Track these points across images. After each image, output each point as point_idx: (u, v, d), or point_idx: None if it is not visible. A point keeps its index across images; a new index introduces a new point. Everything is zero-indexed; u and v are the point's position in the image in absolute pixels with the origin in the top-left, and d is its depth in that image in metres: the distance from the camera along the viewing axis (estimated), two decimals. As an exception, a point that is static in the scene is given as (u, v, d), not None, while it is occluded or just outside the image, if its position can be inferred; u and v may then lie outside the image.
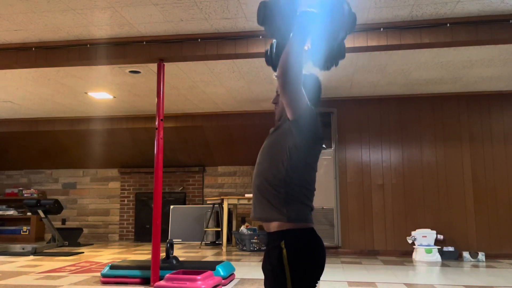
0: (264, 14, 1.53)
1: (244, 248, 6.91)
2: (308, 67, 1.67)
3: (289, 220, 1.49)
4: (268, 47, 1.77)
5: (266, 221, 1.55)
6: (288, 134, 1.52)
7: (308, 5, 1.52)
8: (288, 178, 1.50)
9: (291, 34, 1.48)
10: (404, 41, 3.99)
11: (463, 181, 6.28)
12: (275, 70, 1.63)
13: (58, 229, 7.68)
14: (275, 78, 1.52)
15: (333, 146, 6.56)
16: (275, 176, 1.51)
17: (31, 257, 6.24)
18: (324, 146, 6.40)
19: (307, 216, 1.53)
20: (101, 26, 4.05)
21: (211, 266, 4.16)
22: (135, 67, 5.16)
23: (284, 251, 1.45)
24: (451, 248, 6.04)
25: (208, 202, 7.97)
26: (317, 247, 1.51)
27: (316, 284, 1.50)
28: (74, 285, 4.08)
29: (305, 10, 1.49)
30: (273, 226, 1.52)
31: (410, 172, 6.42)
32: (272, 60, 1.71)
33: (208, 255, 6.31)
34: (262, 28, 4.42)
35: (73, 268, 5.16)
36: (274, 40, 1.75)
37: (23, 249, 6.80)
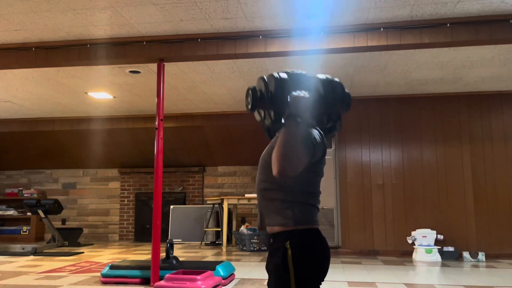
0: (253, 100, 1.47)
1: (244, 248, 6.91)
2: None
3: (294, 221, 1.49)
4: (249, 91, 1.59)
5: (271, 226, 1.54)
6: None
7: (299, 89, 1.48)
8: (292, 184, 1.49)
9: (284, 122, 1.42)
10: (404, 41, 3.99)
11: (463, 181, 6.28)
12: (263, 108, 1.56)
13: (58, 229, 7.68)
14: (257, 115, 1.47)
15: (333, 146, 6.56)
16: (279, 182, 1.51)
17: (31, 257, 6.24)
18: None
19: (312, 217, 1.53)
20: (101, 26, 4.05)
21: (211, 266, 4.16)
22: (135, 67, 5.16)
23: (289, 251, 1.45)
24: (451, 248, 6.04)
25: (208, 202, 7.97)
26: (322, 248, 1.51)
27: (320, 285, 1.50)
28: (74, 285, 4.08)
29: (297, 94, 1.44)
30: (277, 228, 1.52)
31: (410, 172, 6.42)
32: (255, 106, 1.56)
33: (208, 255, 6.31)
34: (262, 28, 4.42)
35: (73, 268, 5.16)
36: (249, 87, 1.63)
37: (23, 249, 6.80)
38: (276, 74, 1.48)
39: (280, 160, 1.36)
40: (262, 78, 1.49)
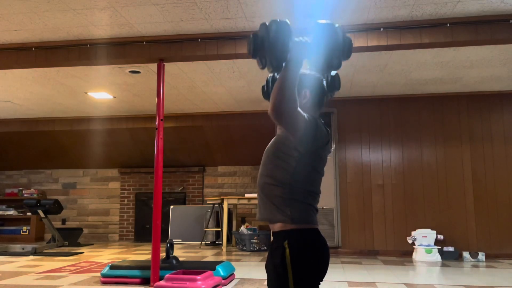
0: (254, 46, 1.48)
1: (244, 248, 6.90)
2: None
3: (292, 220, 1.49)
4: (265, 83, 1.74)
5: (270, 222, 1.55)
6: (291, 143, 1.52)
7: (301, 34, 1.49)
8: (293, 181, 1.50)
9: (284, 65, 1.44)
10: (404, 41, 3.99)
11: (463, 181, 6.28)
12: None
13: (58, 229, 7.68)
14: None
15: (333, 146, 6.56)
16: (279, 178, 1.51)
17: (31, 257, 6.24)
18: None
19: (311, 217, 1.53)
20: (101, 26, 4.05)
21: (211, 266, 4.16)
22: (135, 67, 5.16)
23: (287, 250, 1.45)
24: (451, 248, 6.04)
25: (208, 202, 7.96)
26: (321, 248, 1.51)
27: (319, 285, 1.50)
28: (74, 285, 4.08)
29: (298, 39, 1.46)
30: (277, 226, 1.52)
31: (410, 172, 6.42)
32: (269, 95, 1.67)
33: (208, 255, 6.31)
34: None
35: (73, 268, 5.16)
36: (269, 75, 1.72)
37: (23, 249, 6.80)
38: (278, 20, 1.47)
39: (276, 95, 1.40)
40: (264, 24, 1.49)
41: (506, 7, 3.69)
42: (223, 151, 8.32)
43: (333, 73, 1.71)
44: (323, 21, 1.54)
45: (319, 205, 6.86)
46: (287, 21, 1.47)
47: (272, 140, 1.63)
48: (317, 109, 1.63)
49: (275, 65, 1.48)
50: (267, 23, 1.47)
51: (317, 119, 1.56)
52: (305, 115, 1.49)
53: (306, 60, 1.50)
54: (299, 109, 1.45)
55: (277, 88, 1.42)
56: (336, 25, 1.54)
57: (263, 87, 1.74)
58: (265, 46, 1.46)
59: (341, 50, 1.54)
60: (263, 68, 1.55)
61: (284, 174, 1.51)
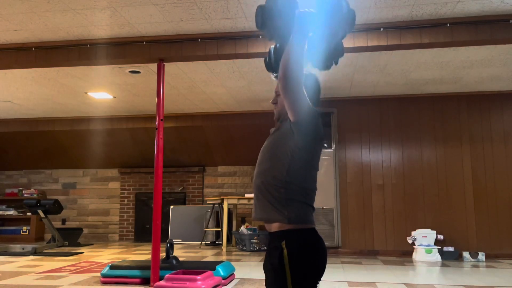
0: (262, 17, 1.52)
1: (244, 248, 6.90)
2: (308, 68, 1.67)
3: (289, 220, 1.49)
4: (267, 54, 1.77)
5: (267, 222, 1.55)
6: (289, 135, 1.52)
7: (306, 5, 1.51)
8: (289, 179, 1.50)
9: (291, 36, 1.47)
10: (404, 41, 3.99)
11: (463, 181, 6.28)
12: (276, 74, 1.62)
13: (58, 229, 7.68)
14: (274, 79, 1.52)
15: (333, 146, 6.56)
16: (276, 176, 1.52)
17: (31, 257, 6.24)
18: (325, 145, 6.42)
19: (308, 217, 1.53)
20: (101, 26, 4.05)
21: (211, 266, 4.16)
22: (135, 67, 5.16)
23: (285, 251, 1.46)
24: (451, 248, 6.04)
25: (208, 202, 7.96)
26: (318, 248, 1.51)
27: (317, 284, 1.50)
28: (74, 285, 4.08)
29: (304, 10, 1.49)
30: (274, 226, 1.52)
31: (410, 172, 6.42)
32: (272, 65, 1.71)
33: (208, 255, 6.31)
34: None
35: (73, 268, 5.16)
36: (272, 46, 1.75)
37: (23, 249, 6.80)
38: None
39: (284, 64, 1.45)
40: None
41: (506, 7, 3.69)
42: (223, 151, 8.32)
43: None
44: None
45: (319, 205, 6.85)
46: None
47: (268, 139, 1.63)
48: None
49: (283, 35, 1.50)
50: None
51: (317, 111, 1.57)
52: (309, 101, 1.52)
53: (310, 30, 1.52)
54: (304, 90, 1.48)
55: (285, 58, 1.45)
56: None
57: (265, 58, 1.76)
58: (273, 17, 1.48)
59: (345, 21, 1.57)
60: (270, 39, 1.58)
61: (281, 173, 1.51)
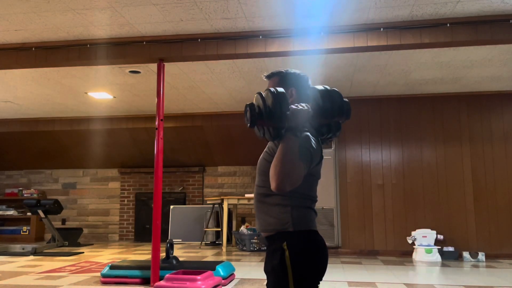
0: (251, 116, 1.45)
1: (244, 248, 6.90)
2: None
3: (293, 225, 1.49)
4: (248, 107, 1.50)
5: (271, 232, 1.55)
6: None
7: (296, 87, 1.49)
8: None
9: (282, 136, 1.42)
10: (404, 41, 3.99)
11: (463, 181, 6.28)
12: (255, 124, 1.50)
13: (58, 229, 7.68)
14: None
15: (333, 146, 6.56)
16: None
17: (31, 257, 6.24)
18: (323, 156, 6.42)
19: (310, 220, 1.53)
20: (101, 26, 4.05)
21: (211, 266, 4.16)
22: (135, 67, 5.16)
23: (287, 252, 1.46)
24: (451, 248, 6.04)
25: (208, 202, 7.96)
26: (319, 249, 1.51)
27: (318, 285, 1.50)
28: (74, 285, 4.08)
29: (295, 107, 1.44)
30: (274, 231, 1.53)
31: (410, 172, 6.42)
32: (256, 119, 1.51)
33: (208, 255, 6.31)
34: (262, 28, 4.41)
35: (73, 268, 5.16)
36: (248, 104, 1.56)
37: (23, 249, 6.80)
38: (273, 89, 1.46)
39: (278, 175, 1.37)
40: (260, 94, 1.48)
41: (506, 7, 3.69)
42: (223, 151, 8.32)
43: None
44: (320, 87, 1.54)
45: (319, 205, 6.87)
46: (283, 90, 1.46)
47: (266, 149, 1.61)
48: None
49: (274, 134, 1.46)
50: (262, 93, 1.46)
51: (311, 140, 1.48)
52: (301, 160, 1.41)
53: (303, 126, 1.47)
54: (300, 161, 1.40)
55: (278, 168, 1.38)
56: (334, 89, 1.54)
57: (249, 109, 1.48)
58: (262, 116, 1.43)
59: (339, 113, 1.53)
60: (261, 137, 1.54)
61: None
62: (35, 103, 6.94)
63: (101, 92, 6.30)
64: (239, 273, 4.65)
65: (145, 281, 4.13)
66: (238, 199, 7.23)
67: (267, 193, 1.53)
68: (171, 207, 8.27)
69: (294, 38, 4.11)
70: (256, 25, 4.01)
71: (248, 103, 1.48)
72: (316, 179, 1.57)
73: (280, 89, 1.46)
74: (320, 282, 1.51)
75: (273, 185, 1.38)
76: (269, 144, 1.61)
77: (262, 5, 3.61)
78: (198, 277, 3.65)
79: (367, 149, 6.57)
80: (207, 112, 7.65)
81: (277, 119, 1.42)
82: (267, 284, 1.54)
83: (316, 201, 1.59)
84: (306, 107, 1.45)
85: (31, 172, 9.28)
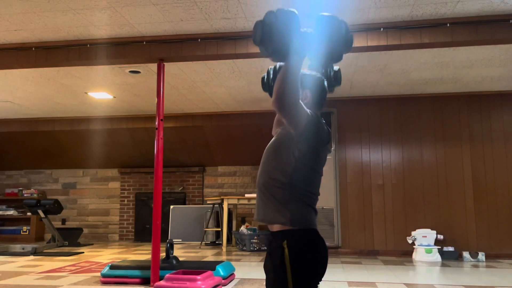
0: (262, 34, 1.46)
1: (244, 248, 6.90)
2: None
3: (292, 221, 1.49)
4: (265, 74, 1.74)
5: (269, 223, 1.55)
6: (292, 139, 1.52)
7: (305, 25, 1.49)
8: (292, 182, 1.50)
9: (287, 56, 1.44)
10: (404, 41, 3.99)
11: (463, 181, 6.28)
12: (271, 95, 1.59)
13: (58, 229, 7.68)
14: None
15: (333, 146, 6.56)
16: (279, 178, 1.51)
17: (31, 257, 6.24)
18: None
19: (310, 219, 1.53)
20: (101, 26, 4.05)
21: (211, 266, 4.16)
22: (135, 67, 5.16)
23: (286, 250, 1.45)
24: (451, 248, 6.04)
25: (208, 202, 7.96)
26: (319, 248, 1.51)
27: (318, 285, 1.50)
28: (74, 285, 4.08)
29: (303, 30, 1.46)
30: (276, 227, 1.52)
31: (410, 172, 6.42)
32: (270, 86, 1.68)
33: (208, 255, 6.31)
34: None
35: (73, 268, 5.16)
36: (271, 67, 1.72)
37: (23, 249, 6.80)
38: (286, 8, 1.47)
39: (278, 85, 1.42)
40: (271, 11, 1.47)
41: (506, 7, 3.69)
42: (223, 151, 8.31)
43: (335, 68, 1.72)
44: (327, 14, 1.56)
45: (319, 205, 6.88)
46: (295, 10, 1.47)
47: (272, 139, 1.63)
48: (318, 109, 1.62)
49: (282, 54, 1.47)
50: (275, 11, 1.46)
51: (319, 116, 1.57)
52: (308, 110, 1.50)
53: (308, 51, 1.50)
54: (301, 102, 1.47)
55: (280, 79, 1.43)
56: (340, 18, 1.55)
57: (263, 78, 1.73)
58: (273, 34, 1.44)
59: (343, 43, 1.55)
60: (267, 56, 1.55)
61: (284, 174, 1.51)
62: (35, 103, 6.94)
63: (101, 92, 6.30)
64: (239, 273, 4.65)
65: (145, 281, 4.12)
66: (238, 199, 7.23)
67: (269, 184, 1.54)
68: (171, 207, 8.27)
69: (294, 38, 4.11)
70: (256, 25, 4.00)
71: (259, 19, 1.48)
72: (319, 176, 1.57)
73: (293, 10, 1.47)
74: (320, 282, 1.51)
75: (273, 99, 1.45)
76: (281, 130, 1.62)
77: (262, 5, 3.61)
78: (198, 277, 3.65)
79: (367, 149, 6.57)
80: (207, 112, 7.65)
81: (286, 39, 1.43)
82: (266, 282, 1.54)
83: (317, 199, 1.59)
84: (311, 31, 1.49)
85: (31, 172, 9.28)
